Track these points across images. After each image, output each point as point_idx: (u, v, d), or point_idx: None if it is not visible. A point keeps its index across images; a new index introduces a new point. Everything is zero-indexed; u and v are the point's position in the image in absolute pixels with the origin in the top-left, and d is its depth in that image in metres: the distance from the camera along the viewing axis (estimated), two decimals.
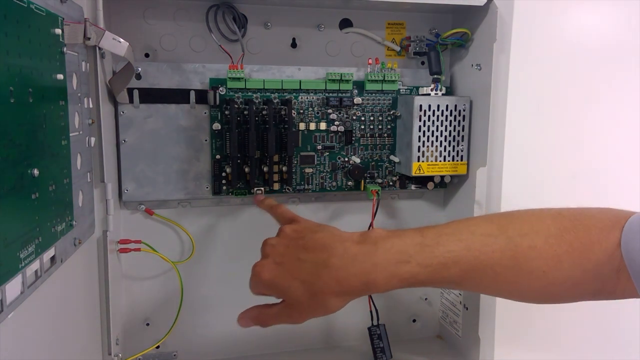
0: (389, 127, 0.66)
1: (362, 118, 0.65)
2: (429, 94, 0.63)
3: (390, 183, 0.67)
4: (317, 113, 0.64)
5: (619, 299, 0.42)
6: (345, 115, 0.65)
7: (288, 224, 0.50)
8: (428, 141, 0.62)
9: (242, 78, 0.60)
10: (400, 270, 0.42)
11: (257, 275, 0.46)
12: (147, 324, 0.65)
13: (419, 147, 0.62)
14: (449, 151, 0.63)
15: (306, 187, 0.65)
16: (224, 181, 0.62)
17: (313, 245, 0.45)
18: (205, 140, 0.61)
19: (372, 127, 0.65)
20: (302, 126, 0.63)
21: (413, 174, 0.63)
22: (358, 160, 0.65)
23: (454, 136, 0.63)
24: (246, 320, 0.49)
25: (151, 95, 0.59)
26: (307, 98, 0.63)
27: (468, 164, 0.64)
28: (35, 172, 0.35)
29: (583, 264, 0.41)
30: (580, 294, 0.43)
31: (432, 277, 0.42)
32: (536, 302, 0.46)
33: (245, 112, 0.60)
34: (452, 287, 0.45)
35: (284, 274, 0.45)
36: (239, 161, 0.61)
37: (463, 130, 0.63)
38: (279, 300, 0.47)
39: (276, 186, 0.63)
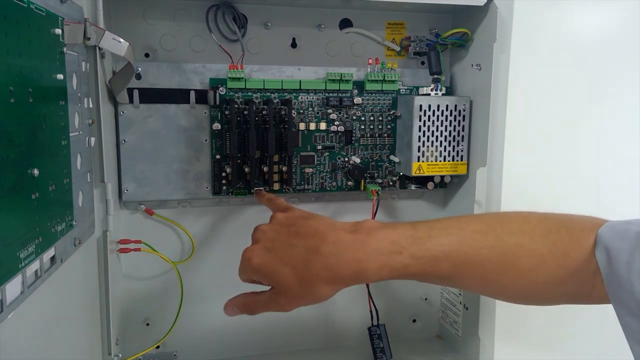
0: (389, 127, 0.66)
1: (362, 118, 0.65)
2: (429, 94, 0.63)
3: (390, 183, 0.67)
4: (317, 113, 0.64)
5: (595, 303, 0.43)
6: (345, 115, 0.65)
7: (281, 211, 0.50)
8: (428, 141, 0.62)
9: (242, 78, 0.60)
10: (391, 261, 0.42)
11: (247, 260, 0.45)
12: (147, 324, 0.65)
13: (419, 147, 0.62)
14: (449, 151, 0.63)
15: (306, 187, 0.65)
16: (224, 181, 0.62)
17: (305, 232, 0.45)
18: (205, 140, 0.61)
19: (372, 127, 0.65)
20: (302, 126, 0.63)
21: (413, 174, 0.63)
22: (358, 160, 0.65)
23: (454, 136, 0.63)
24: (232, 308, 0.48)
25: (151, 95, 0.59)
26: (307, 98, 0.63)
27: (468, 164, 0.65)
28: (35, 172, 0.35)
29: (565, 264, 0.42)
30: (561, 295, 0.44)
31: (423, 269, 0.42)
32: (519, 301, 0.47)
33: (245, 112, 0.60)
34: (441, 282, 0.45)
35: (274, 259, 0.44)
36: (239, 161, 0.61)
37: (463, 130, 0.63)
38: (267, 288, 0.46)
39: (276, 186, 0.63)
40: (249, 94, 0.61)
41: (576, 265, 0.42)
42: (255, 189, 0.62)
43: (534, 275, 0.42)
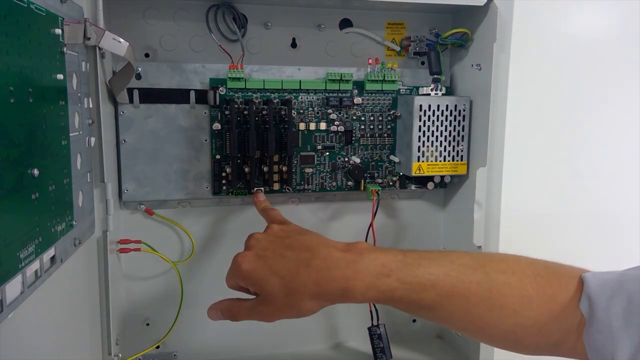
0: (389, 127, 0.66)
1: (362, 118, 0.65)
2: (429, 94, 0.63)
3: (390, 183, 0.67)
4: (317, 113, 0.64)
5: (580, 358, 0.42)
6: (345, 115, 0.65)
7: (276, 224, 0.50)
8: (428, 141, 0.62)
9: (242, 78, 0.60)
10: (379, 283, 0.43)
11: (237, 266, 0.46)
12: (147, 324, 0.65)
13: (419, 147, 0.62)
14: (449, 151, 0.63)
15: (306, 187, 0.65)
16: (224, 181, 0.62)
17: (298, 245, 0.46)
18: (205, 140, 0.61)
19: (372, 127, 0.65)
20: (302, 126, 0.63)
21: (413, 174, 0.63)
22: (358, 160, 0.65)
23: (454, 136, 0.63)
24: (216, 312, 0.48)
25: (151, 95, 0.59)
26: (307, 98, 0.63)
27: (468, 164, 0.64)
28: (35, 172, 0.35)
29: (550, 307, 0.42)
30: (544, 343, 0.44)
31: (409, 295, 0.43)
32: (500, 344, 0.46)
33: (245, 112, 0.60)
34: (425, 314, 0.45)
35: (263, 267, 0.45)
36: (239, 161, 0.61)
37: (463, 130, 0.63)
38: (252, 297, 0.47)
39: (276, 186, 0.63)
40: (249, 94, 0.61)
41: (561, 310, 0.42)
42: (255, 189, 0.62)
43: (518, 316, 0.42)
